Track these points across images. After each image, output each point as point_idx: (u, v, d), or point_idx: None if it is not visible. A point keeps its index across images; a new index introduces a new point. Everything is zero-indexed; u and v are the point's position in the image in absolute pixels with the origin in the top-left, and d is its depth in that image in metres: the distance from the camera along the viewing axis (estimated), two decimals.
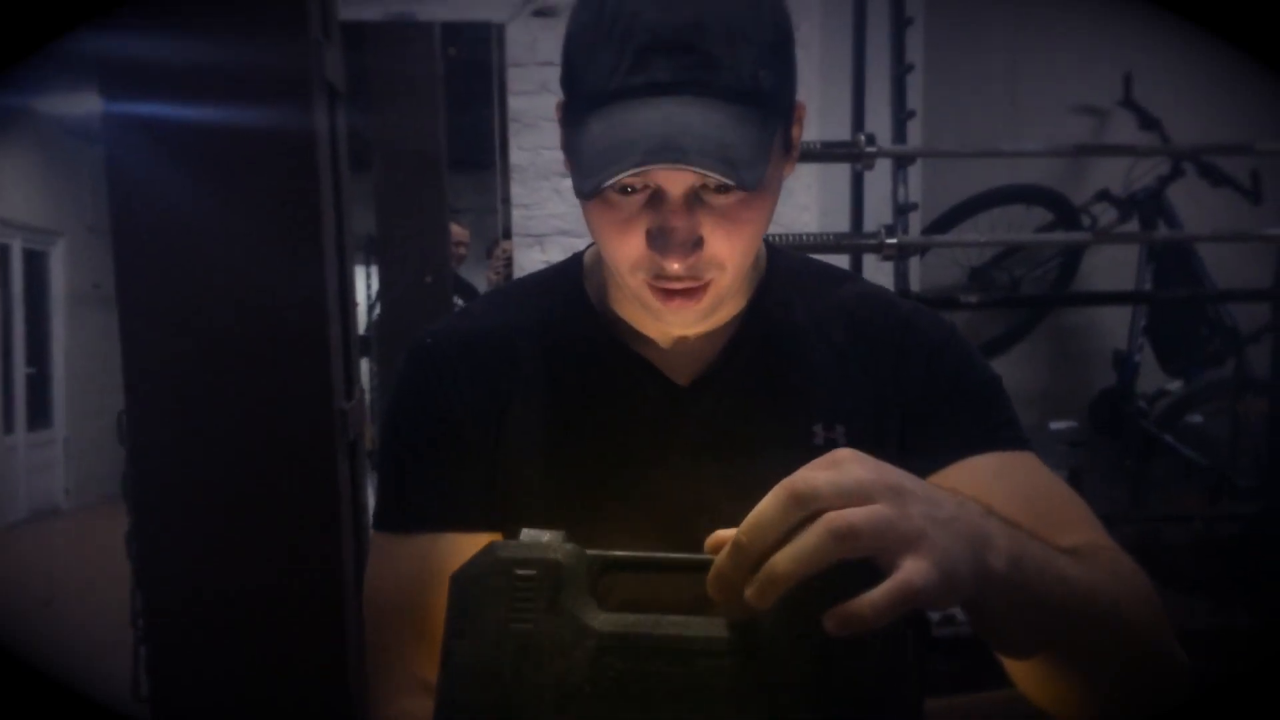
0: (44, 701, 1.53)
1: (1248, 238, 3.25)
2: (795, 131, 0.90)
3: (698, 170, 0.79)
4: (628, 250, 0.86)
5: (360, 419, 1.83)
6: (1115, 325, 3.91)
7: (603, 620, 0.63)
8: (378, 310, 4.45)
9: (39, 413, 8.91)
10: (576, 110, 0.85)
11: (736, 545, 0.59)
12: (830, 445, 0.90)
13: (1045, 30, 3.94)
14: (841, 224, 3.25)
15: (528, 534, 0.66)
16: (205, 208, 1.55)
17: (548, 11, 3.79)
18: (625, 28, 0.80)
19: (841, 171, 3.27)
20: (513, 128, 3.87)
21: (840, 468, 0.61)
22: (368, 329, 4.50)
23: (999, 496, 0.71)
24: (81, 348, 9.07)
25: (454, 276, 4.10)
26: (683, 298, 0.87)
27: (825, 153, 2.77)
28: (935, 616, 2.87)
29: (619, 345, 0.96)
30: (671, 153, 0.78)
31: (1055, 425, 3.77)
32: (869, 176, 3.03)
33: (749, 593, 0.58)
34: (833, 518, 0.58)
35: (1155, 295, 3.78)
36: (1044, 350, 4.06)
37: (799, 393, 0.95)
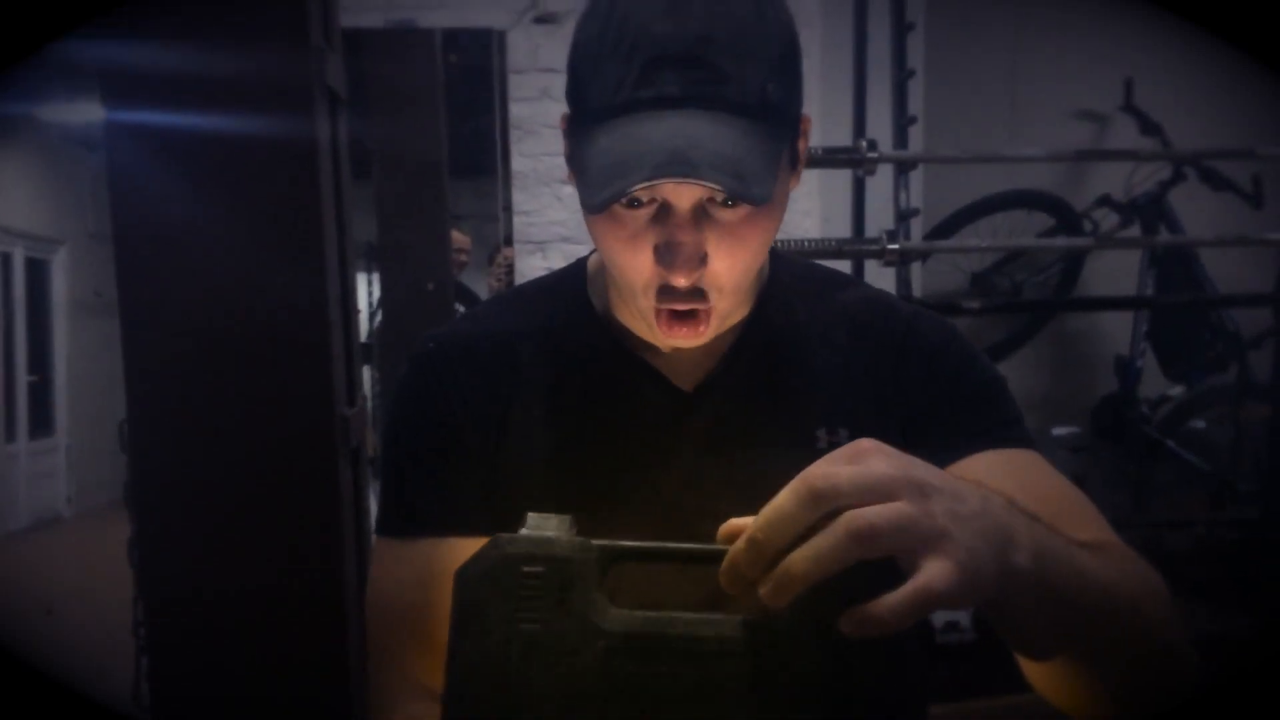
0: (49, 704, 1.52)
1: (1249, 242, 3.25)
2: (801, 145, 0.89)
3: (708, 184, 0.78)
4: (637, 267, 0.86)
5: (362, 425, 1.83)
6: (1117, 330, 3.91)
7: (612, 620, 0.61)
8: (379, 317, 4.45)
9: (41, 421, 8.91)
10: (582, 123, 0.84)
11: (752, 541, 0.58)
12: (833, 448, 0.90)
13: (1046, 35, 3.95)
14: (843, 230, 3.25)
15: (533, 519, 0.64)
16: (207, 215, 1.55)
17: (548, 18, 3.80)
18: (633, 41, 0.80)
19: (843, 177, 3.27)
20: (514, 134, 3.87)
21: (862, 461, 0.60)
22: (369, 336, 4.51)
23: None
24: (83, 355, 9.08)
25: (456, 283, 4.10)
26: (688, 328, 0.87)
27: (827, 158, 2.77)
28: (939, 623, 2.87)
29: (622, 350, 0.96)
30: (681, 166, 0.77)
31: (1057, 431, 3.76)
32: (870, 182, 3.03)
33: (763, 591, 0.57)
34: (853, 518, 0.56)
35: (1157, 300, 3.78)
36: (1046, 356, 4.05)
37: (802, 397, 0.95)
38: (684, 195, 0.82)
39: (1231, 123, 3.53)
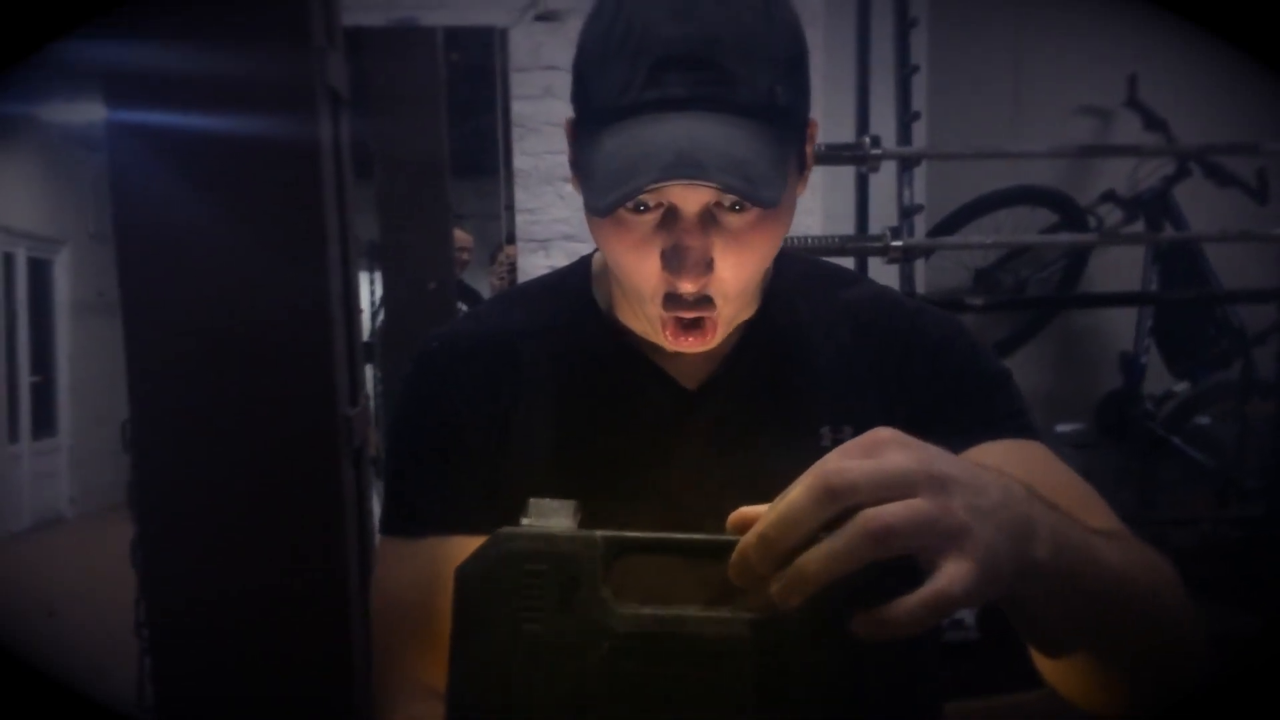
0: (52, 706, 1.52)
1: (1254, 238, 3.24)
2: (808, 150, 0.89)
3: (717, 185, 0.77)
4: (644, 273, 0.85)
5: (365, 425, 1.83)
6: (1121, 327, 3.90)
7: (617, 619, 0.59)
8: (381, 317, 4.45)
9: (43, 421, 8.91)
10: (588, 126, 0.84)
11: (764, 538, 0.56)
12: (837, 446, 0.90)
13: (1049, 30, 3.93)
14: (846, 226, 3.23)
15: (537, 504, 0.63)
16: (209, 215, 1.55)
17: (550, 16, 3.79)
18: (639, 42, 0.79)
19: (846, 174, 3.26)
20: (516, 133, 3.86)
21: (879, 453, 0.58)
22: (371, 335, 4.50)
23: None
24: (85, 356, 9.08)
25: (458, 282, 4.10)
26: (695, 336, 0.87)
27: (830, 155, 2.76)
28: (944, 621, 2.86)
29: (626, 349, 0.96)
30: (689, 168, 0.77)
31: (1061, 428, 3.75)
32: (874, 178, 3.02)
33: (774, 590, 0.55)
34: (870, 518, 0.54)
35: (1162, 296, 3.77)
36: (1050, 352, 4.04)
37: (806, 395, 0.95)
38: (691, 199, 0.81)
39: (1236, 118, 3.52)
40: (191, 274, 1.58)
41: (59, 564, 7.14)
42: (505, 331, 0.99)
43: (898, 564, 0.55)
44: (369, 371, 3.65)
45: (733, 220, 0.83)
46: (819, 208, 3.66)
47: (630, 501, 0.91)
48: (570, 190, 3.92)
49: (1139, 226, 3.80)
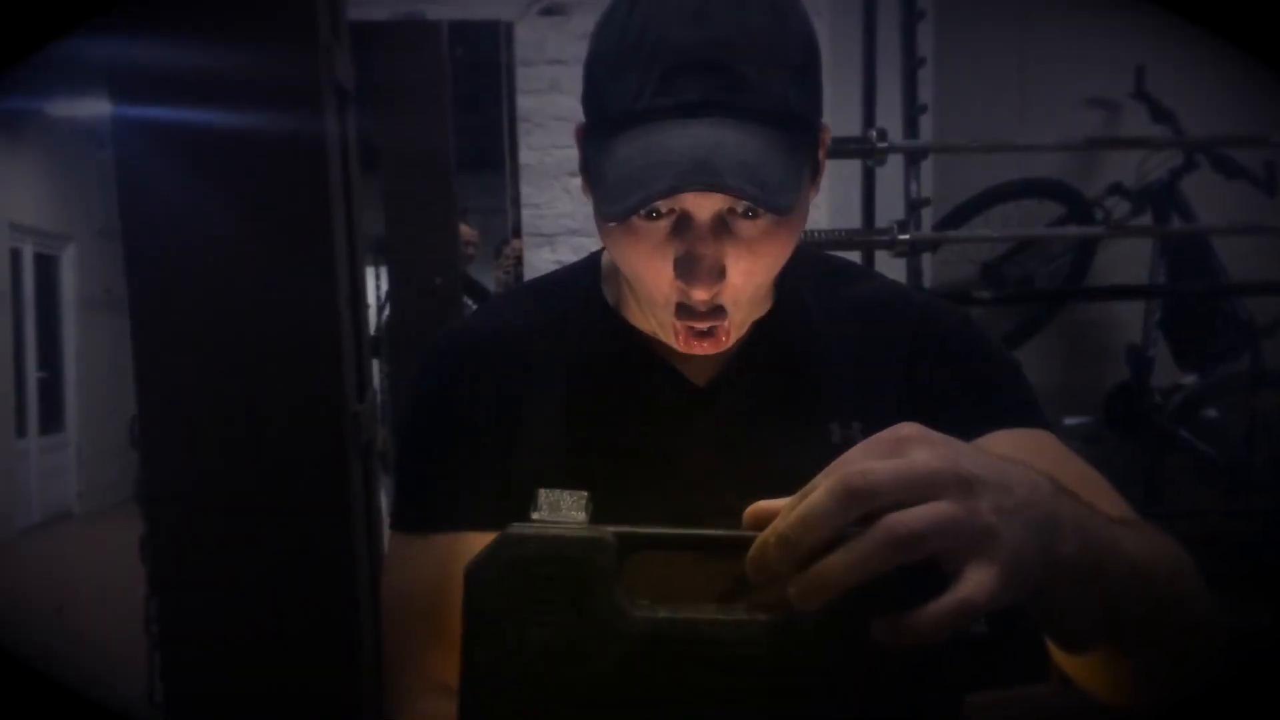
0: (54, 705, 1.52)
1: (1262, 230, 3.23)
2: (821, 154, 0.89)
3: (733, 193, 0.77)
4: (656, 280, 0.85)
5: (372, 421, 1.83)
6: (1129, 319, 3.89)
7: (631, 623, 0.58)
8: (386, 311, 4.46)
9: (51, 417, 8.94)
10: (600, 131, 0.83)
11: (784, 539, 0.55)
12: (847, 442, 0.90)
13: (1056, 23, 3.92)
14: (853, 220, 3.23)
15: (547, 496, 0.61)
16: (216, 212, 1.55)
17: (556, 10, 3.79)
18: (652, 48, 0.79)
19: (852, 167, 3.25)
20: (522, 127, 3.86)
21: (904, 452, 0.56)
22: (377, 330, 4.50)
23: None
24: (92, 351, 9.10)
25: (463, 277, 4.10)
26: (708, 342, 0.87)
27: (836, 149, 2.75)
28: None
29: (636, 347, 0.95)
30: (705, 175, 0.76)
31: (1069, 421, 3.75)
32: (880, 172, 3.02)
33: (792, 592, 0.54)
34: (894, 523, 0.53)
35: (1169, 289, 3.76)
36: (1057, 345, 4.03)
37: (814, 391, 0.95)
38: (704, 206, 0.81)
39: (1244, 109, 3.51)
40: (198, 270, 1.58)
41: (67, 559, 7.16)
42: (515, 328, 0.98)
43: (920, 566, 0.54)
44: (375, 366, 3.65)
45: (746, 227, 0.82)
46: (825, 202, 3.66)
47: (640, 498, 0.91)
48: (576, 185, 3.91)
49: (1146, 219, 3.79)
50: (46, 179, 8.76)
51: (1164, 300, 3.79)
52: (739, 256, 0.83)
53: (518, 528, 0.60)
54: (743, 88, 0.79)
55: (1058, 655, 0.71)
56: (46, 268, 8.95)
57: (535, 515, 0.61)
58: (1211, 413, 3.74)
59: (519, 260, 4.08)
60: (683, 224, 0.82)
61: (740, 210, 0.82)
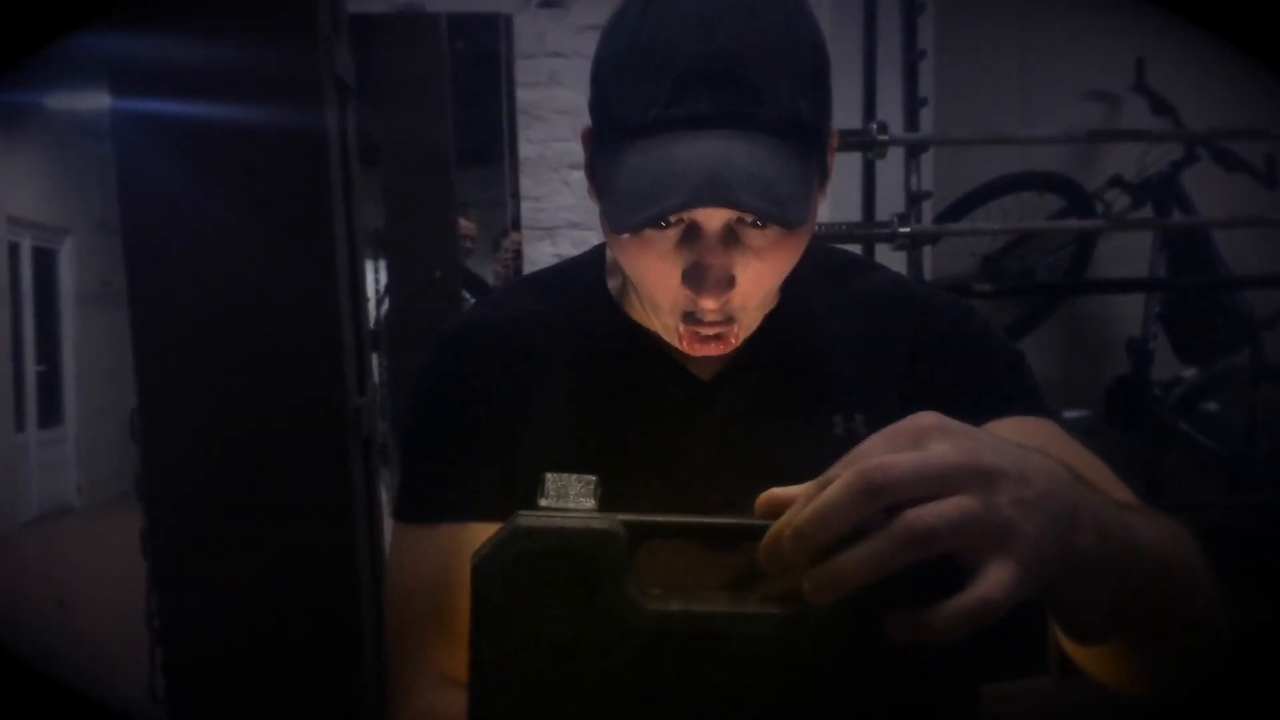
0: (59, 709, 1.52)
1: (1263, 223, 3.23)
2: (829, 160, 0.88)
3: (746, 209, 0.77)
4: (664, 288, 0.85)
5: (373, 415, 1.83)
6: (1129, 312, 3.89)
7: (642, 617, 0.57)
8: (386, 305, 4.45)
9: (50, 411, 8.94)
10: (609, 139, 0.83)
11: (799, 533, 0.53)
12: (850, 434, 0.90)
13: (1056, 15, 3.91)
14: (853, 213, 3.22)
15: (555, 481, 0.60)
16: (216, 206, 1.55)
17: (555, 3, 3.78)
18: (662, 57, 0.78)
19: (853, 160, 3.25)
20: (522, 120, 3.86)
21: (923, 443, 0.55)
22: (375, 324, 4.50)
23: None
24: (90, 345, 9.10)
25: (463, 271, 4.10)
26: (715, 345, 0.87)
27: (837, 142, 2.75)
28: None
29: (641, 341, 0.95)
30: (718, 191, 0.76)
31: (1069, 414, 3.74)
32: (881, 165, 3.01)
33: (807, 587, 0.53)
34: (913, 521, 0.52)
35: (1170, 282, 3.76)
36: (1058, 339, 4.03)
37: (818, 384, 0.95)
38: (714, 217, 0.81)
39: (1245, 102, 3.50)
40: (199, 264, 1.58)
41: (68, 553, 7.17)
42: (520, 320, 0.99)
43: (937, 566, 0.53)
44: (374, 361, 3.64)
45: (755, 236, 0.82)
46: (826, 194, 3.65)
47: (644, 491, 0.91)
48: (576, 178, 3.92)
49: (1147, 212, 3.79)
50: (45, 173, 8.75)
51: (1164, 293, 3.79)
52: (748, 264, 0.83)
53: (526, 517, 0.59)
54: (754, 99, 0.78)
55: (1068, 645, 0.71)
56: (45, 261, 8.94)
57: (543, 502, 0.59)
58: (1212, 406, 3.74)
59: (518, 253, 4.07)
60: (691, 233, 0.82)
61: (750, 220, 0.81)
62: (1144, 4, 3.45)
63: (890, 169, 3.02)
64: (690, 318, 0.85)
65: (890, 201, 3.05)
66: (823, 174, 0.87)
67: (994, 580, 0.53)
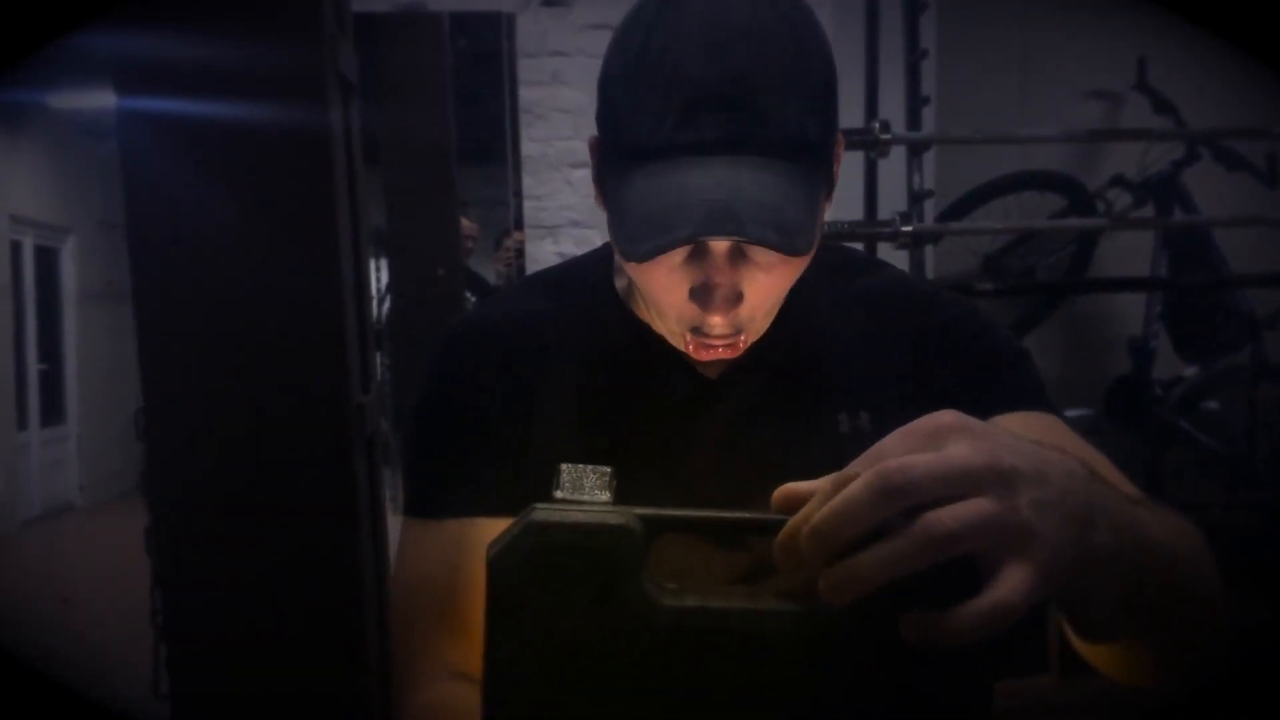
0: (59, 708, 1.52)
1: (1264, 222, 3.23)
2: (835, 168, 0.88)
3: (754, 241, 0.77)
4: (672, 303, 0.86)
5: (377, 413, 1.83)
6: (1130, 311, 3.89)
7: (658, 612, 0.57)
8: (387, 304, 4.46)
9: (52, 409, 8.94)
10: (617, 157, 0.83)
11: (816, 531, 0.53)
12: (855, 432, 0.91)
13: (1058, 15, 3.92)
14: (855, 212, 3.23)
15: (570, 472, 0.59)
16: (221, 204, 1.55)
17: (557, 1, 3.78)
18: (669, 79, 0.78)
19: (855, 159, 3.25)
20: (524, 119, 3.86)
21: (942, 443, 0.55)
22: (377, 323, 4.50)
23: None
24: (93, 344, 9.10)
25: (464, 270, 4.10)
26: (721, 352, 0.87)
27: None
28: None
29: (648, 339, 0.96)
30: (727, 224, 0.76)
31: (1070, 413, 3.73)
32: (883, 164, 3.02)
33: (823, 586, 0.53)
34: (932, 523, 0.52)
35: (1171, 281, 3.76)
36: (1059, 338, 4.04)
37: (823, 382, 0.95)
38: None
39: (1246, 101, 3.50)
40: (204, 263, 1.57)
41: (70, 551, 7.17)
42: (528, 318, 0.99)
43: (954, 568, 0.53)
44: (377, 359, 3.64)
45: (762, 254, 0.82)
46: (832, 200, 3.66)
47: (652, 490, 0.91)
48: (578, 176, 3.92)
49: (1148, 211, 3.79)
50: (47, 171, 8.75)
51: (1165, 293, 3.79)
52: (755, 280, 0.84)
53: (541, 511, 0.58)
54: (761, 122, 0.78)
55: (1076, 642, 0.71)
56: (47, 260, 8.94)
57: (558, 494, 0.59)
58: (1212, 405, 3.74)
59: (520, 253, 4.07)
60: (699, 251, 0.83)
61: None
62: (1145, 4, 3.45)
63: (892, 168, 3.02)
64: (698, 331, 0.86)
65: (892, 200, 3.05)
66: (829, 186, 0.88)
67: (1011, 584, 0.52)
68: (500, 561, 0.58)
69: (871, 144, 2.73)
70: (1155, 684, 0.75)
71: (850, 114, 3.17)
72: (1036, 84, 3.94)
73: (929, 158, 3.09)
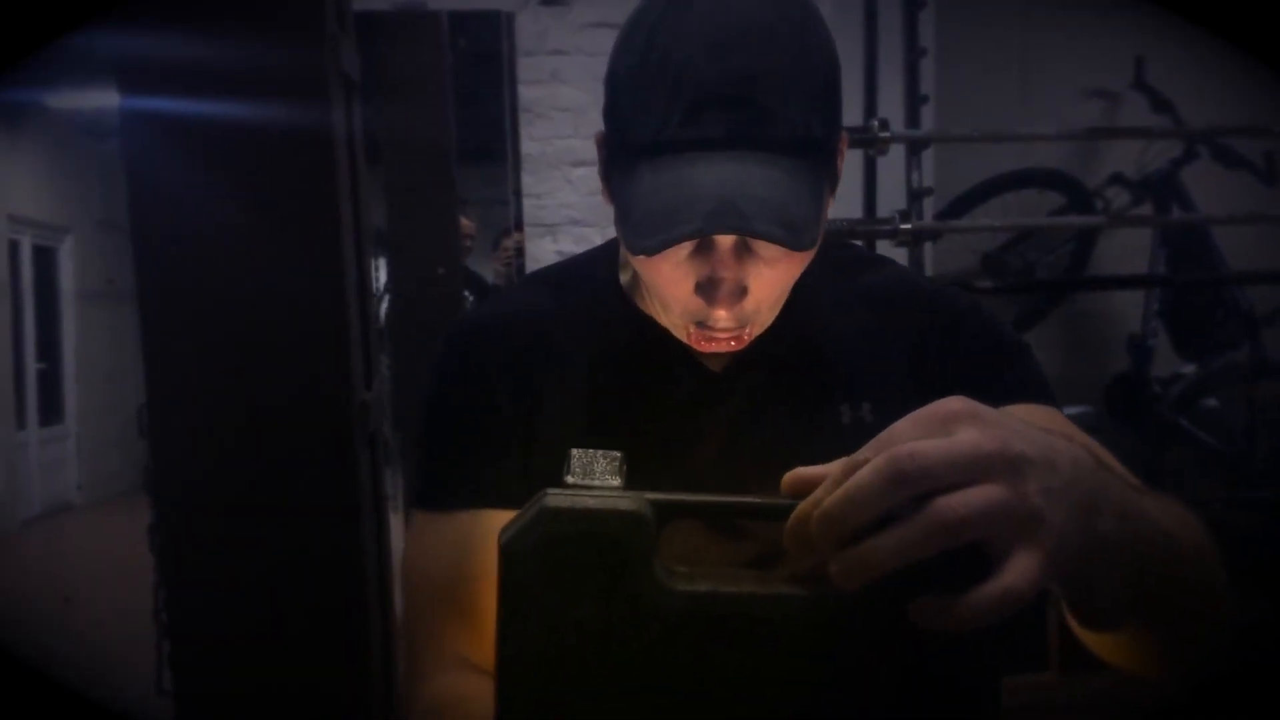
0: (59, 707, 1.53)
1: (1262, 220, 3.24)
2: (839, 164, 0.89)
3: (760, 237, 0.78)
4: (677, 297, 0.86)
5: (380, 410, 1.84)
6: (1129, 309, 3.90)
7: (669, 598, 0.57)
8: (386, 302, 4.45)
9: (50, 409, 8.93)
10: (623, 154, 0.84)
11: (827, 516, 0.54)
12: (857, 424, 0.92)
13: (1057, 13, 3.92)
14: (854, 210, 3.24)
15: (581, 457, 0.60)
16: (224, 202, 1.56)
17: (557, 0, 3.78)
18: (675, 78, 0.79)
19: (854, 157, 3.26)
20: (523, 118, 3.86)
21: (953, 429, 0.55)
22: (376, 321, 4.49)
23: None
24: (90, 343, 9.10)
25: (462, 269, 4.09)
26: (725, 345, 0.88)
27: None
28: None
29: (652, 335, 0.97)
30: (733, 219, 0.77)
31: (1069, 411, 3.73)
32: (882, 162, 3.02)
33: (833, 569, 0.54)
34: (943, 509, 0.52)
35: (1170, 279, 3.77)
36: (1058, 335, 4.04)
37: (826, 375, 0.96)
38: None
39: (1244, 100, 3.51)
40: (207, 260, 1.58)
41: (70, 551, 7.17)
42: (534, 313, 1.00)
43: (963, 554, 0.53)
44: None
45: (767, 249, 0.83)
46: (835, 196, 3.66)
47: (656, 480, 0.92)
48: (578, 175, 3.92)
49: (1146, 209, 3.80)
50: (45, 171, 8.74)
51: (1164, 290, 3.80)
52: (760, 274, 0.84)
53: (553, 497, 0.58)
54: (766, 120, 0.79)
55: (1080, 632, 0.72)
56: (45, 259, 8.93)
57: (569, 479, 0.59)
58: (1211, 402, 3.75)
59: (520, 252, 4.08)
60: (705, 245, 0.83)
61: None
62: (1144, 3, 3.46)
63: (891, 166, 3.03)
64: (703, 325, 0.87)
65: (891, 198, 3.06)
66: (833, 182, 0.88)
67: (1020, 569, 0.53)
68: (513, 547, 0.58)
69: (870, 142, 2.74)
70: (1157, 674, 0.75)
71: (849, 112, 3.16)
72: (1035, 82, 3.95)
73: (928, 156, 3.09)
